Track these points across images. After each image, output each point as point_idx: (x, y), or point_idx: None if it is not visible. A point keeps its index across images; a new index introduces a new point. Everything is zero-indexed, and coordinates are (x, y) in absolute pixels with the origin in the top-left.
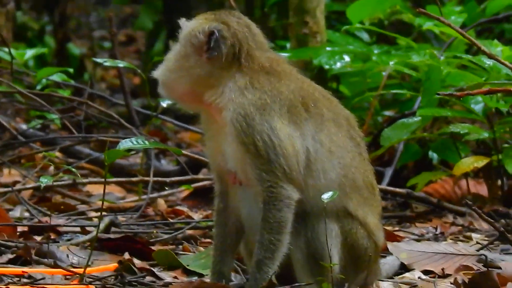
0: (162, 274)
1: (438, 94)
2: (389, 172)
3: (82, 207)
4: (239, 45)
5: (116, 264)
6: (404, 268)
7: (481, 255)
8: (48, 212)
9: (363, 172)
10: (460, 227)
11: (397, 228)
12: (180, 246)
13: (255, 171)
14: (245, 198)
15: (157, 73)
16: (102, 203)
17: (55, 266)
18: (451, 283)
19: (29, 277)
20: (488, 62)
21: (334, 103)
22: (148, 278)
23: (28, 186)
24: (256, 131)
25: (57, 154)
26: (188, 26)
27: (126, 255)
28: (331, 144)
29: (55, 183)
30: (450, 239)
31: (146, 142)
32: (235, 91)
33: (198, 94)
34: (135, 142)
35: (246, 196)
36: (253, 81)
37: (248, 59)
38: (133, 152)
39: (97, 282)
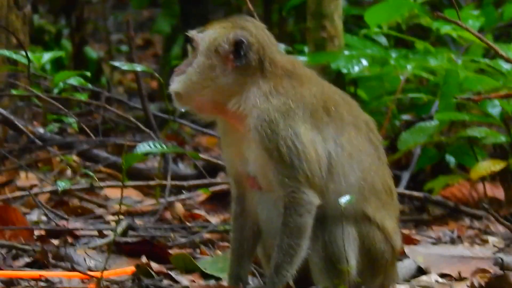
0: (179, 278)
1: (456, 98)
2: (406, 175)
3: (99, 211)
4: (263, 51)
5: (133, 268)
6: (421, 271)
7: (497, 258)
8: (65, 216)
9: (382, 175)
10: (476, 231)
11: (414, 232)
12: (198, 250)
13: (277, 176)
14: (264, 203)
15: (177, 86)
16: (120, 207)
17: (72, 269)
18: (468, 286)
19: (46, 280)
20: (506, 66)
21: (353, 106)
22: (166, 282)
23: (45, 189)
24: (280, 137)
25: (74, 157)
26: (209, 37)
27: (144, 259)
28: (351, 148)
29: (72, 187)
30: (467, 242)
31: (164, 146)
32: (260, 97)
33: (221, 103)
34: (152, 146)
35: (265, 200)
36: (277, 86)
37: (271, 64)
38: (150, 156)
39: (115, 286)
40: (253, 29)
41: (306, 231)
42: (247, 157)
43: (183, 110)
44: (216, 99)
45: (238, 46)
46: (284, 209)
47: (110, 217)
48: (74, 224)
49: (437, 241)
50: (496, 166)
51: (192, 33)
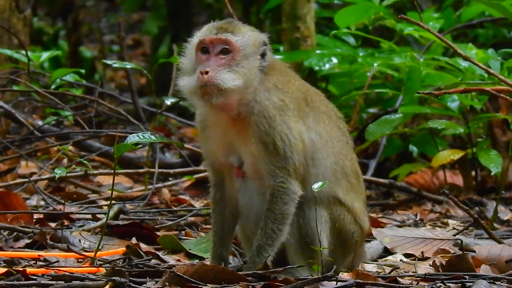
0: (166, 258)
1: (418, 93)
2: (373, 164)
3: (93, 196)
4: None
5: (124, 248)
6: (387, 251)
7: (457, 239)
8: (62, 201)
9: (351, 159)
10: (438, 214)
11: (380, 215)
12: (183, 232)
13: (269, 167)
14: (245, 190)
15: (236, 83)
16: (112, 193)
17: (68, 250)
18: (430, 265)
19: (45, 260)
20: (464, 64)
21: (322, 96)
22: (154, 261)
23: (43, 177)
24: (276, 132)
25: (70, 148)
26: (250, 39)
27: (134, 240)
28: (327, 135)
29: (68, 174)
30: (429, 225)
31: (152, 136)
32: (263, 93)
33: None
34: (141, 137)
35: (245, 187)
36: (276, 82)
37: (269, 62)
38: (140, 146)
39: (107, 265)
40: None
41: (289, 218)
42: (237, 148)
43: (169, 103)
44: (244, 96)
45: (265, 49)
46: (270, 196)
47: (102, 202)
48: (70, 208)
49: (402, 224)
50: (455, 155)
51: (226, 36)
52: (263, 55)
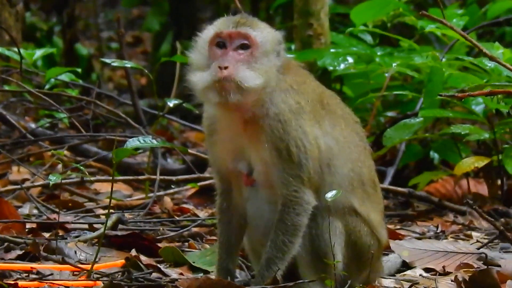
0: (168, 271)
1: (440, 96)
2: (391, 171)
3: (89, 205)
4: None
5: (123, 261)
6: (406, 265)
7: (481, 253)
8: (57, 210)
9: (368, 166)
10: (460, 226)
11: (398, 227)
12: (186, 243)
13: (282, 175)
14: (254, 199)
15: (258, 82)
16: (110, 201)
17: (63, 262)
18: (452, 281)
19: (38, 273)
20: (489, 64)
21: (337, 99)
22: (155, 275)
23: (37, 183)
24: (291, 137)
25: (66, 152)
26: (269, 36)
27: (133, 252)
28: (344, 140)
29: (63, 181)
30: (451, 237)
31: (153, 141)
32: (280, 94)
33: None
34: (142, 141)
35: (255, 196)
36: (292, 83)
37: (284, 61)
38: (140, 151)
39: (105, 278)
40: None
41: (301, 230)
42: (248, 154)
43: (171, 105)
44: (260, 96)
45: (280, 46)
46: (282, 206)
47: (100, 211)
48: (65, 217)
49: (422, 236)
50: (479, 162)
51: (247, 30)
52: (278, 54)
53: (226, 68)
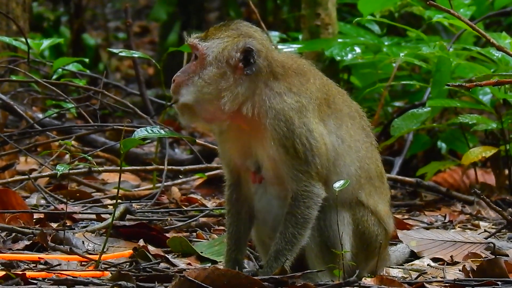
0: (176, 261)
1: (448, 85)
2: (398, 161)
3: (97, 195)
4: (270, 55)
5: (131, 251)
6: (414, 255)
7: (489, 243)
8: (64, 200)
9: (375, 161)
10: (468, 216)
11: (406, 217)
12: (194, 234)
13: (292, 171)
14: (262, 193)
15: (188, 98)
16: (118, 191)
17: (71, 252)
18: (460, 270)
19: (45, 263)
20: (497, 54)
21: (345, 95)
22: (163, 265)
23: (44, 174)
24: (296, 135)
25: (73, 142)
26: (217, 46)
27: (141, 242)
28: (350, 139)
29: (71, 171)
30: (459, 227)
31: (161, 131)
32: (275, 98)
33: (234, 110)
34: (150, 131)
35: (263, 192)
36: (290, 86)
37: (279, 65)
38: (148, 141)
39: (112, 269)
40: (258, 35)
41: (311, 222)
42: (256, 153)
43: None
44: (229, 107)
45: (247, 54)
46: (292, 200)
47: (108, 201)
48: (72, 207)
49: (430, 226)
50: (487, 152)
51: (194, 41)
52: (246, 61)
53: (174, 81)
